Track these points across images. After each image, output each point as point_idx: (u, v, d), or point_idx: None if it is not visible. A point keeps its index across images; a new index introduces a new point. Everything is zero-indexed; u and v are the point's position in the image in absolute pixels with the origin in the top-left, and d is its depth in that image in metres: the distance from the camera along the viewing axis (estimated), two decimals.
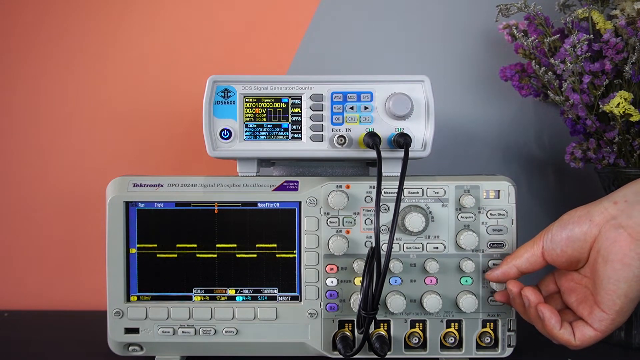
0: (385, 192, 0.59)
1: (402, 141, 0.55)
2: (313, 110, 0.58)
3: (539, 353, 0.65)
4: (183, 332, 0.60)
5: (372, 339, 0.58)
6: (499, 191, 0.59)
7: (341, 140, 0.57)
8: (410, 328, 0.60)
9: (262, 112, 0.58)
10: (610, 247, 0.49)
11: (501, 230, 0.59)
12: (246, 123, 0.58)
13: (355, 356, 0.58)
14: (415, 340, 0.59)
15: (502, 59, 0.78)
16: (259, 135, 0.58)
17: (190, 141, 0.83)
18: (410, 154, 0.56)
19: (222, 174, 0.61)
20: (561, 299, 0.56)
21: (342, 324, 0.60)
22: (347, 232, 0.59)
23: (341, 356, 0.57)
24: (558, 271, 0.57)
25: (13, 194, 0.84)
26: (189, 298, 0.60)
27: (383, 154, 0.55)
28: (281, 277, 0.60)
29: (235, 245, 0.60)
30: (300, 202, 0.59)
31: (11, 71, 0.84)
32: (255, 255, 0.60)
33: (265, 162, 0.66)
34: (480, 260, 0.59)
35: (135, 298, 0.60)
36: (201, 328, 0.60)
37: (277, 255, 0.60)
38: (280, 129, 0.58)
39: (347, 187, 0.59)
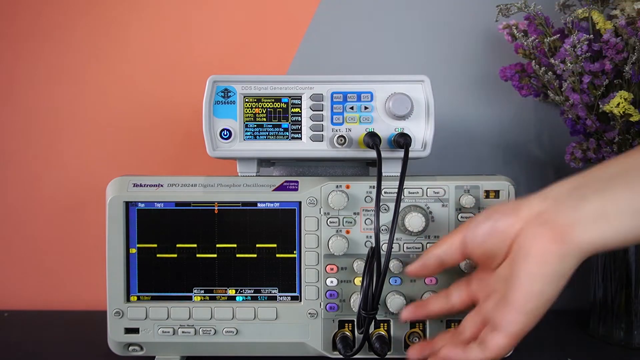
0: (385, 192, 0.59)
1: (402, 141, 0.55)
2: (313, 110, 0.58)
3: (539, 353, 0.65)
4: (183, 332, 0.60)
5: (372, 339, 0.58)
6: (498, 191, 0.59)
7: (341, 140, 0.57)
8: (410, 328, 0.60)
9: (262, 112, 0.58)
10: (532, 242, 0.46)
11: None
12: (246, 123, 0.58)
13: (355, 356, 0.58)
14: (415, 340, 0.59)
15: (502, 59, 0.78)
16: (259, 135, 0.58)
17: (190, 141, 0.83)
18: (410, 154, 0.56)
19: (222, 174, 0.61)
20: (478, 313, 0.52)
21: (342, 324, 0.60)
22: (347, 232, 0.59)
23: (341, 356, 0.57)
24: (473, 279, 0.53)
25: (13, 194, 0.84)
26: (189, 298, 0.60)
27: (383, 154, 0.55)
28: (281, 277, 0.60)
29: (235, 245, 0.60)
30: (300, 202, 0.59)
31: (11, 71, 0.84)
32: (255, 255, 0.60)
33: (265, 162, 0.66)
34: None
35: (135, 298, 0.60)
36: (201, 328, 0.60)
37: (277, 255, 0.60)
38: (280, 129, 0.58)
39: (347, 187, 0.59)
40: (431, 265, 0.52)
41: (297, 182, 0.60)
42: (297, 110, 0.58)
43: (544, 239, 0.45)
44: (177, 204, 0.60)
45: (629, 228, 0.44)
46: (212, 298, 0.60)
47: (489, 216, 0.49)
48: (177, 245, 0.60)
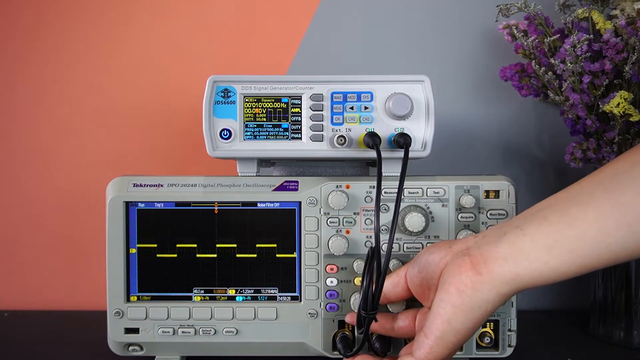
0: (385, 192, 0.59)
1: (402, 141, 0.55)
2: (313, 110, 0.58)
3: (539, 353, 0.65)
4: (183, 332, 0.60)
5: (372, 339, 0.58)
6: (498, 191, 0.59)
7: (341, 140, 0.57)
8: None
9: (262, 112, 0.58)
10: (452, 271, 0.47)
11: None
12: (246, 123, 0.58)
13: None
14: None
15: (502, 59, 0.78)
16: (259, 135, 0.58)
17: (190, 141, 0.83)
18: (410, 154, 0.56)
19: (222, 174, 0.61)
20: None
21: (342, 324, 0.60)
22: (347, 232, 0.59)
23: (341, 356, 0.57)
24: (420, 313, 0.55)
25: (13, 194, 0.84)
26: (189, 298, 0.60)
27: (383, 154, 0.55)
28: (281, 277, 0.60)
29: (235, 246, 0.60)
30: (300, 202, 0.59)
31: (12, 71, 0.84)
32: (255, 255, 0.60)
33: (265, 162, 0.66)
34: None
35: (135, 298, 0.60)
36: (201, 328, 0.60)
37: (277, 255, 0.60)
38: (280, 129, 0.58)
39: (347, 187, 0.59)
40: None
41: (297, 182, 0.60)
42: (297, 110, 0.58)
43: (462, 269, 0.47)
44: (177, 204, 0.60)
45: (544, 264, 0.44)
46: (212, 298, 0.60)
47: (428, 250, 0.52)
48: (177, 245, 0.60)
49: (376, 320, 0.55)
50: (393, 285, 0.54)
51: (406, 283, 0.54)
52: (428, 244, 0.59)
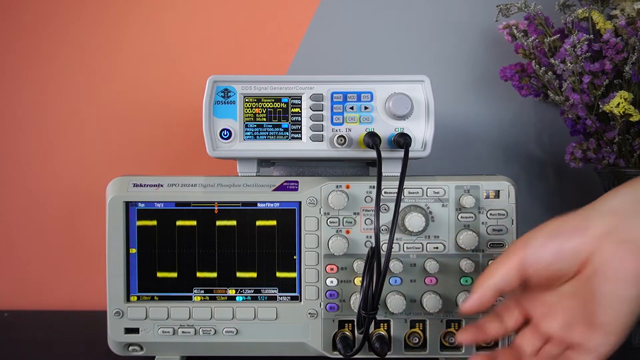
0: (385, 192, 0.59)
1: (402, 141, 0.55)
2: (313, 110, 0.58)
3: None
4: (183, 332, 0.60)
5: (372, 339, 0.58)
6: (498, 191, 0.59)
7: (341, 140, 0.57)
8: (410, 328, 0.60)
9: (262, 112, 0.58)
10: (612, 263, 0.43)
11: (501, 230, 0.59)
12: (246, 123, 0.58)
13: (355, 356, 0.58)
14: (415, 340, 0.59)
15: (502, 59, 0.78)
16: (259, 135, 0.58)
17: (190, 141, 0.83)
18: (410, 154, 0.56)
19: (222, 174, 0.61)
20: (535, 330, 0.49)
21: (342, 324, 0.60)
22: (347, 232, 0.59)
23: (341, 356, 0.57)
24: (524, 297, 0.50)
25: (13, 194, 0.84)
26: (189, 298, 0.60)
27: (383, 154, 0.55)
28: (281, 277, 0.60)
29: (235, 246, 0.60)
30: (300, 202, 0.59)
31: (14, 72, 0.84)
32: (255, 256, 0.60)
33: (265, 162, 0.66)
34: (480, 260, 0.59)
35: (135, 298, 0.60)
36: (201, 328, 0.60)
37: (277, 256, 0.60)
38: (280, 129, 0.58)
39: (347, 187, 0.59)
40: (490, 298, 0.47)
41: (297, 182, 0.60)
42: (297, 110, 0.58)
43: (625, 259, 0.43)
44: (177, 204, 0.60)
45: None
46: (212, 298, 0.60)
47: (553, 236, 0.46)
48: (177, 246, 0.60)
49: (376, 320, 0.55)
50: (507, 280, 0.47)
51: (521, 274, 0.46)
52: (428, 244, 0.59)
